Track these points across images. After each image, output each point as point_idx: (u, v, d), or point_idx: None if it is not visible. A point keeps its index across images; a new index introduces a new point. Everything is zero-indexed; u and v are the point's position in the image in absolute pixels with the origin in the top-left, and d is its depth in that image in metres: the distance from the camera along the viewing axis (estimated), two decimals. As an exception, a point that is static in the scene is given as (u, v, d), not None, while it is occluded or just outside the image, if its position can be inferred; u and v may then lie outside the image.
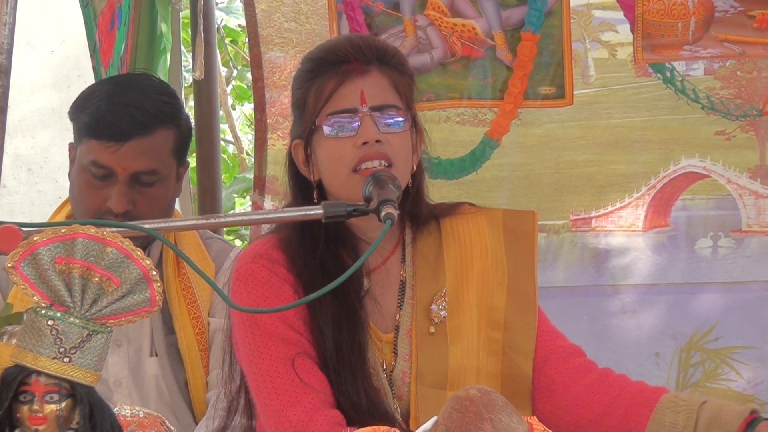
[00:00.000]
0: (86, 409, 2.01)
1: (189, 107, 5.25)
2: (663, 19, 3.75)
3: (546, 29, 3.78)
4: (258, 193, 3.95)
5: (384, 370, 2.70)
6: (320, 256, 2.67)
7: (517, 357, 2.72)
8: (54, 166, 4.49)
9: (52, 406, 2.01)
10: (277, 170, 3.93)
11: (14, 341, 2.03)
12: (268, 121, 3.95)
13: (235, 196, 6.89)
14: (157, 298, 2.04)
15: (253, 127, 4.08)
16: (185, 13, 4.48)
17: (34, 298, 2.03)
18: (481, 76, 3.83)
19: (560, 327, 2.85)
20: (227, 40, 7.26)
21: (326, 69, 2.69)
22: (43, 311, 2.01)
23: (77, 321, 2.00)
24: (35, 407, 2.00)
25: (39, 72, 4.44)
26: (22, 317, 2.04)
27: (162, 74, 4.05)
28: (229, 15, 6.85)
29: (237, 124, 7.47)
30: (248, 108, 7.51)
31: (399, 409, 2.69)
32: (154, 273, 2.03)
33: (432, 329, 2.71)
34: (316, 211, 2.42)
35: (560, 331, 2.81)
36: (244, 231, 6.57)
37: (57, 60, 4.48)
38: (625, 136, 3.89)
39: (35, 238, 2.02)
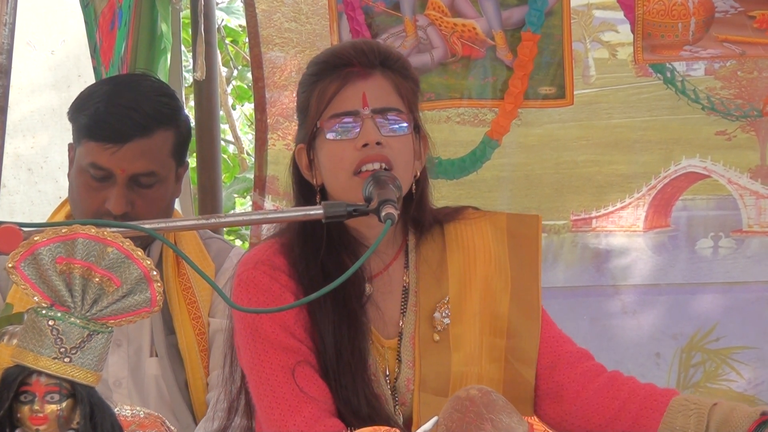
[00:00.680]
0: (87, 409, 2.01)
1: (189, 107, 5.25)
2: (663, 19, 3.75)
3: (546, 29, 3.78)
4: (258, 193, 3.95)
5: (387, 376, 2.70)
6: (322, 260, 2.67)
7: (519, 364, 2.71)
8: (54, 166, 4.49)
9: (53, 406, 2.01)
10: (277, 170, 3.93)
11: (15, 341, 2.03)
12: (268, 121, 3.95)
13: (236, 196, 6.89)
14: (158, 298, 2.04)
15: (254, 127, 4.07)
16: (185, 13, 4.48)
17: (35, 298, 2.03)
18: (481, 76, 3.83)
19: (560, 327, 2.84)
20: (228, 40, 7.26)
21: (329, 72, 2.69)
22: (44, 311, 2.01)
23: (78, 321, 2.00)
24: (36, 407, 2.00)
25: (39, 72, 4.44)
26: (23, 317, 2.04)
27: (162, 74, 4.05)
28: (229, 15, 6.85)
29: (237, 124, 7.47)
30: (248, 108, 7.51)
31: (402, 416, 2.69)
32: (155, 273, 2.03)
33: (437, 337, 2.70)
34: (316, 211, 2.42)
35: (567, 335, 2.80)
36: (245, 231, 6.57)
37: (57, 60, 4.48)
38: (625, 136, 3.89)
39: (36, 238, 2.02)
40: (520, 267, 2.77)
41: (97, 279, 2.01)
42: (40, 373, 2.00)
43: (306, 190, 2.74)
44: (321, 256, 2.67)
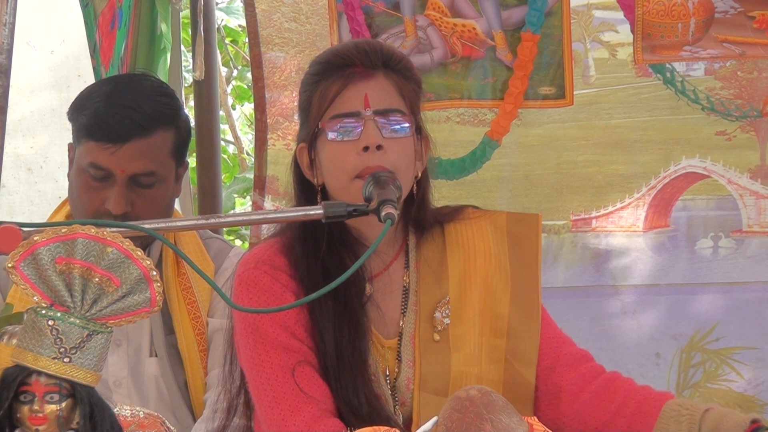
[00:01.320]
0: (86, 409, 2.01)
1: (189, 107, 5.25)
2: (663, 19, 3.75)
3: (546, 29, 3.78)
4: (258, 193, 3.94)
5: (387, 376, 2.70)
6: (323, 260, 2.67)
7: (519, 365, 2.71)
8: (54, 166, 4.48)
9: (53, 406, 2.01)
10: (277, 170, 3.93)
11: (14, 341, 2.03)
12: (268, 121, 3.95)
13: (236, 196, 6.89)
14: (158, 298, 2.04)
15: (254, 127, 4.07)
16: (185, 13, 4.48)
17: (35, 298, 2.03)
18: (481, 76, 3.83)
19: (560, 328, 2.84)
20: (227, 40, 7.26)
21: (331, 72, 2.69)
22: (44, 311, 2.01)
23: (77, 321, 2.00)
24: (35, 407, 2.00)
25: (39, 72, 4.44)
26: (23, 317, 2.04)
27: (162, 74, 4.05)
28: (229, 15, 6.85)
29: (237, 124, 7.47)
30: (248, 108, 7.51)
31: (401, 416, 2.69)
32: (155, 273, 2.03)
33: (437, 337, 2.70)
34: (316, 211, 2.41)
35: (567, 335, 2.79)
36: (245, 231, 6.57)
37: (57, 60, 4.47)
38: (625, 136, 3.89)
39: (35, 238, 2.02)
40: (520, 267, 2.76)
41: (96, 279, 2.01)
42: (39, 373, 2.00)
43: (307, 190, 2.74)
44: (322, 256, 2.67)
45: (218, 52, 5.03)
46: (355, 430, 2.39)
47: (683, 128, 3.87)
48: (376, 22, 3.83)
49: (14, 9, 2.85)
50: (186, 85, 5.22)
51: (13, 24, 2.86)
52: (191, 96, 4.46)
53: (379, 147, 2.63)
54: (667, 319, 3.89)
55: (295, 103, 3.92)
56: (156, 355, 3.22)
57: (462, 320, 2.71)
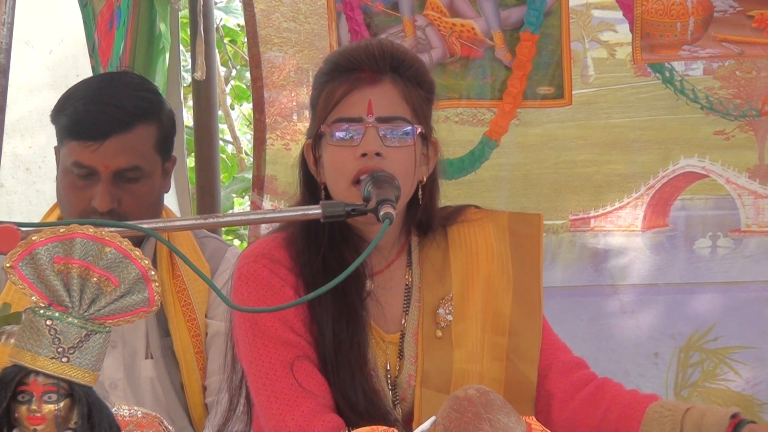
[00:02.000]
0: (84, 408, 2.01)
1: (188, 107, 5.25)
2: (662, 19, 3.75)
3: (545, 29, 3.78)
4: (257, 193, 3.94)
5: (388, 371, 2.70)
6: (323, 256, 2.67)
7: (521, 363, 2.71)
8: (52, 166, 4.47)
9: (51, 406, 2.00)
10: (275, 170, 3.93)
11: (12, 341, 2.03)
12: (266, 120, 3.95)
13: (234, 195, 6.89)
14: (156, 298, 2.04)
15: (252, 126, 4.07)
16: (184, 12, 4.48)
17: (33, 298, 2.02)
18: (480, 76, 3.83)
19: (559, 327, 2.84)
20: (226, 40, 7.26)
21: (339, 74, 2.69)
22: (42, 311, 2.01)
23: (76, 321, 2.00)
24: (33, 407, 2.00)
25: (37, 71, 4.44)
26: (21, 317, 2.04)
27: (161, 74, 4.05)
28: (228, 14, 6.85)
29: (236, 123, 7.47)
30: (247, 108, 7.50)
31: (401, 412, 2.69)
32: (153, 273, 2.03)
33: (439, 333, 2.70)
34: (314, 210, 2.41)
35: (564, 343, 2.79)
36: (243, 231, 6.57)
37: (55, 59, 4.47)
38: (624, 136, 3.89)
39: (34, 238, 2.02)
40: (522, 266, 2.77)
41: (95, 279, 2.01)
42: (37, 372, 2.00)
43: (312, 186, 2.75)
44: (323, 252, 2.67)
45: (217, 51, 5.03)
46: (353, 427, 2.39)
47: (682, 128, 3.87)
48: (375, 22, 3.83)
49: (13, 8, 2.86)
50: (185, 84, 5.22)
51: (11, 23, 2.86)
52: (190, 96, 4.46)
53: (378, 154, 2.63)
54: (666, 319, 3.90)
55: (294, 103, 3.94)
56: (152, 357, 3.21)
57: (464, 317, 2.71)
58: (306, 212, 2.46)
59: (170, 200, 4.12)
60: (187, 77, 5.07)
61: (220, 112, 5.81)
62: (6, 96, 2.92)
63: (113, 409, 2.10)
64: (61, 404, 2.01)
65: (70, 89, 3.24)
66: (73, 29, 4.32)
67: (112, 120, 3.12)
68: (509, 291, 2.75)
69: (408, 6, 3.82)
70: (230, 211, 6.62)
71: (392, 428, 2.32)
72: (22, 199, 4.47)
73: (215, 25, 5.06)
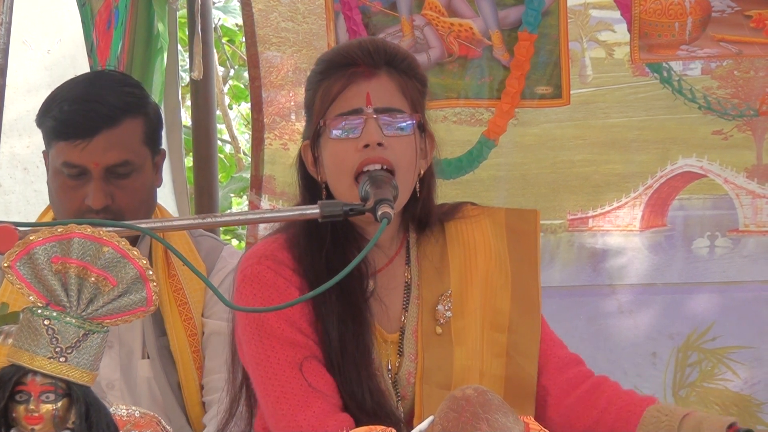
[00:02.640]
0: (82, 408, 2.01)
1: (186, 107, 5.24)
2: (660, 18, 3.75)
3: (543, 29, 3.78)
4: (255, 193, 3.94)
5: (389, 370, 2.70)
6: (326, 255, 2.67)
7: (521, 359, 2.72)
8: (50, 166, 4.47)
9: (48, 406, 2.00)
10: (273, 170, 3.93)
11: (10, 341, 2.03)
12: (265, 120, 3.95)
13: (232, 195, 6.89)
14: (154, 298, 2.04)
15: (250, 126, 4.07)
16: (182, 12, 4.48)
17: (30, 297, 2.02)
18: (478, 75, 3.83)
19: (557, 327, 2.84)
20: (224, 40, 7.25)
21: (334, 71, 2.69)
22: (39, 311, 2.00)
23: (73, 321, 2.00)
24: (31, 407, 2.00)
25: (35, 71, 4.43)
26: (18, 317, 2.04)
27: (159, 74, 4.05)
28: (226, 14, 6.85)
29: (234, 123, 7.47)
30: (245, 107, 7.50)
31: (402, 409, 2.69)
32: (151, 273, 2.03)
33: (439, 330, 2.70)
34: (312, 210, 2.41)
35: (560, 339, 2.79)
36: (241, 230, 6.57)
37: (53, 59, 4.46)
38: (622, 135, 3.89)
39: (31, 238, 2.01)
40: (520, 262, 2.77)
41: (92, 278, 2.01)
42: (35, 372, 2.00)
43: (311, 187, 2.75)
44: (325, 252, 2.67)
45: (215, 51, 5.03)
46: (351, 430, 2.39)
47: (680, 127, 3.87)
48: (373, 22, 3.83)
49: (11, 8, 2.85)
50: (183, 84, 5.21)
51: (9, 23, 2.86)
52: (188, 96, 4.46)
53: (379, 144, 2.64)
54: (664, 319, 3.90)
55: (292, 103, 3.94)
56: (148, 357, 3.21)
57: (464, 314, 2.71)
58: (304, 212, 2.45)
59: (168, 200, 4.12)
60: (185, 77, 5.07)
61: (218, 112, 5.81)
62: (4, 96, 2.92)
63: (111, 409, 2.10)
64: (59, 404, 2.01)
65: (53, 92, 3.24)
66: (71, 29, 4.32)
67: (99, 116, 3.11)
68: (507, 288, 2.75)
69: (406, 5, 3.82)
70: (228, 211, 6.62)
71: (390, 428, 2.32)
72: (19, 198, 4.46)
73: (213, 25, 5.06)
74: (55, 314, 2.00)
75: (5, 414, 2.00)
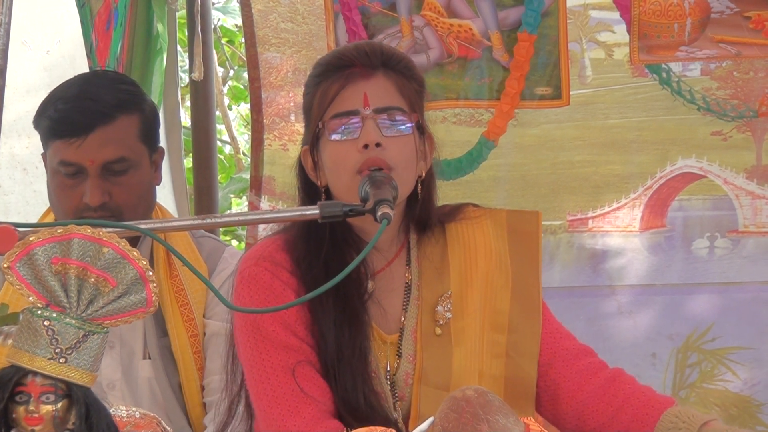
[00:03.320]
0: (82, 409, 2.01)
1: (185, 107, 5.24)
2: (659, 19, 3.75)
3: (542, 30, 3.79)
4: (254, 194, 3.94)
5: (388, 371, 2.70)
6: (325, 258, 2.67)
7: (521, 360, 2.71)
8: (50, 166, 4.47)
9: (48, 407, 2.00)
10: (273, 170, 3.93)
11: (10, 342, 2.03)
12: (264, 121, 3.95)
13: (232, 196, 6.89)
14: (154, 298, 2.04)
15: (250, 127, 4.07)
16: (181, 13, 4.48)
17: (30, 298, 2.02)
18: (477, 76, 3.83)
19: (560, 324, 2.84)
20: (224, 41, 7.25)
21: (332, 73, 2.69)
22: (39, 311, 2.00)
23: (73, 321, 2.00)
24: (31, 408, 2.00)
25: (34, 72, 4.43)
26: (18, 317, 2.04)
27: (158, 74, 4.05)
28: (225, 15, 6.85)
29: (233, 124, 7.47)
30: (245, 108, 7.50)
31: (400, 411, 2.69)
32: (150, 274, 2.03)
33: (438, 331, 2.70)
34: (312, 211, 2.41)
35: (568, 331, 2.78)
36: (241, 231, 6.57)
37: (53, 60, 4.46)
38: (621, 136, 3.89)
39: (31, 239, 2.01)
40: (521, 263, 2.77)
41: (92, 279, 2.01)
42: (35, 373, 2.00)
43: (311, 192, 2.74)
44: (324, 253, 2.67)
45: (215, 52, 5.03)
46: (352, 429, 2.39)
47: (679, 128, 3.87)
48: (372, 23, 3.83)
49: (10, 9, 2.85)
50: (182, 85, 5.21)
51: (8, 24, 2.86)
52: (187, 96, 4.46)
53: (378, 144, 2.64)
54: (664, 319, 3.90)
55: (291, 104, 3.94)
56: (149, 358, 3.21)
57: (464, 315, 2.71)
58: (304, 213, 2.45)
59: (168, 200, 4.12)
60: (185, 77, 5.07)
61: (217, 113, 5.81)
62: (3, 96, 2.92)
63: (111, 410, 2.10)
64: (59, 405, 2.01)
65: (49, 94, 3.24)
66: (71, 30, 4.32)
67: (94, 114, 3.11)
68: (508, 288, 2.75)
69: (405, 6, 3.82)
70: (228, 212, 6.62)
71: (390, 429, 2.32)
72: (19, 199, 4.46)
73: (213, 26, 5.06)
74: (55, 315, 2.00)
75: (5, 415, 2.00)
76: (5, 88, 2.93)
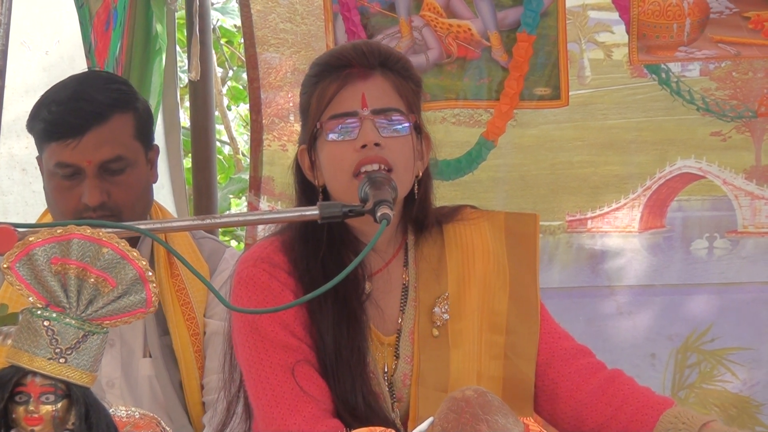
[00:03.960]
0: (82, 409, 2.01)
1: (185, 108, 5.24)
2: (658, 20, 3.76)
3: (541, 30, 3.79)
4: (254, 194, 3.94)
5: (386, 373, 2.70)
6: (322, 259, 2.67)
7: (519, 361, 2.71)
8: (49, 167, 4.47)
9: (48, 407, 2.00)
10: (272, 171, 3.93)
11: (10, 342, 2.03)
12: (263, 121, 3.95)
13: (231, 196, 6.89)
14: (153, 299, 2.04)
15: (249, 127, 4.07)
16: (180, 13, 4.48)
17: (30, 298, 2.02)
18: (476, 77, 3.83)
19: (558, 325, 2.84)
20: (223, 41, 7.25)
21: (329, 73, 2.69)
22: (39, 312, 2.00)
23: (73, 322, 2.00)
24: (31, 408, 2.00)
25: (33, 72, 4.43)
26: (18, 318, 2.04)
27: (157, 75, 4.05)
28: (224, 15, 6.85)
29: (233, 124, 7.47)
30: (244, 109, 7.50)
31: (398, 412, 2.69)
32: (150, 274, 2.03)
33: (436, 332, 2.70)
34: (312, 211, 2.41)
35: (566, 331, 2.78)
36: (240, 232, 6.57)
37: (52, 60, 4.46)
38: (620, 137, 3.89)
39: (31, 239, 2.01)
40: (519, 265, 2.77)
41: (92, 279, 2.01)
42: (35, 373, 2.00)
43: (308, 191, 2.74)
44: (322, 255, 2.67)
45: (214, 52, 5.03)
46: (351, 430, 2.39)
47: (678, 129, 3.87)
48: (371, 23, 3.83)
49: (9, 9, 2.85)
50: (181, 85, 5.22)
51: (8, 24, 2.86)
52: (186, 97, 4.46)
53: (377, 144, 2.64)
54: (663, 320, 3.90)
55: (291, 104, 3.94)
56: (149, 356, 3.21)
57: (461, 316, 2.71)
58: (303, 213, 2.45)
59: (167, 201, 4.12)
60: (184, 78, 5.07)
61: (216, 113, 5.81)
62: (2, 97, 2.92)
63: (111, 410, 2.10)
64: (59, 405, 2.01)
65: (41, 96, 3.25)
66: (70, 30, 4.32)
67: (88, 114, 3.12)
68: (506, 290, 2.75)
69: (404, 7, 3.82)
70: (227, 212, 6.62)
71: (390, 429, 2.32)
72: (18, 199, 4.46)
73: (212, 26, 5.06)
74: (54, 315, 2.00)
75: (5, 415, 2.00)
76: (4, 89, 2.93)
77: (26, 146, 4.40)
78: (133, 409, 2.26)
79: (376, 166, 2.63)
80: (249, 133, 4.17)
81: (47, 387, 2.00)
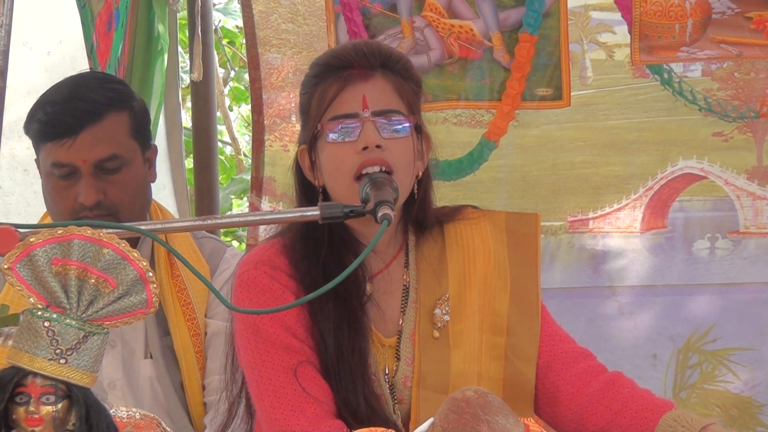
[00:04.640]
0: (82, 410, 2.01)
1: (186, 108, 5.25)
2: (660, 20, 3.75)
3: (543, 30, 3.79)
4: (255, 195, 3.94)
5: (386, 374, 2.70)
6: (323, 261, 2.67)
7: (519, 362, 2.71)
8: (51, 167, 4.47)
9: (48, 408, 2.00)
10: (274, 171, 3.93)
11: (10, 342, 2.03)
12: (265, 122, 3.95)
13: (233, 197, 6.89)
14: (154, 299, 2.04)
15: (251, 128, 4.07)
16: (182, 14, 4.48)
17: (31, 299, 2.02)
18: (478, 77, 3.83)
19: (559, 327, 2.84)
20: (224, 42, 7.26)
21: (330, 74, 2.69)
22: (39, 312, 2.00)
23: (73, 322, 2.00)
24: (31, 408, 2.00)
25: (35, 73, 4.43)
26: (19, 318, 2.04)
27: (159, 75, 4.05)
28: (226, 16, 6.85)
29: (234, 125, 7.47)
30: (246, 109, 7.51)
31: (399, 414, 2.69)
32: (151, 274, 2.03)
33: (436, 334, 2.70)
34: (313, 212, 2.41)
35: (567, 333, 2.78)
36: (242, 232, 6.57)
37: (53, 61, 4.47)
38: (622, 137, 3.89)
39: (31, 240, 2.01)
40: (520, 265, 2.77)
41: (92, 280, 2.01)
42: (35, 374, 2.00)
43: (308, 192, 2.74)
44: (322, 256, 2.67)
45: (215, 53, 5.03)
46: (353, 431, 2.39)
47: (680, 129, 3.87)
48: (373, 23, 3.83)
49: (11, 10, 2.85)
50: (183, 86, 5.22)
51: (9, 25, 2.86)
52: (188, 97, 4.46)
53: (378, 146, 2.64)
54: (664, 320, 3.89)
55: (293, 105, 3.94)
56: (151, 357, 3.21)
57: (462, 317, 2.71)
58: (304, 214, 2.46)
59: (168, 201, 4.12)
60: (186, 78, 5.07)
61: (218, 114, 5.81)
62: (4, 97, 2.92)
63: (111, 411, 2.10)
64: (59, 406, 2.01)
65: (38, 98, 3.25)
66: (72, 31, 4.32)
67: (82, 113, 3.12)
68: (506, 290, 2.75)
69: (406, 7, 3.82)
70: (229, 213, 6.62)
71: (391, 430, 2.32)
72: (19, 200, 4.46)
73: (214, 27, 5.06)
74: (55, 316, 2.00)
75: (5, 416, 2.01)
76: (6, 89, 2.93)
77: (28, 147, 4.40)
78: (133, 409, 2.26)
79: (377, 168, 2.63)
80: (251, 134, 4.17)
81: (48, 388, 2.00)
